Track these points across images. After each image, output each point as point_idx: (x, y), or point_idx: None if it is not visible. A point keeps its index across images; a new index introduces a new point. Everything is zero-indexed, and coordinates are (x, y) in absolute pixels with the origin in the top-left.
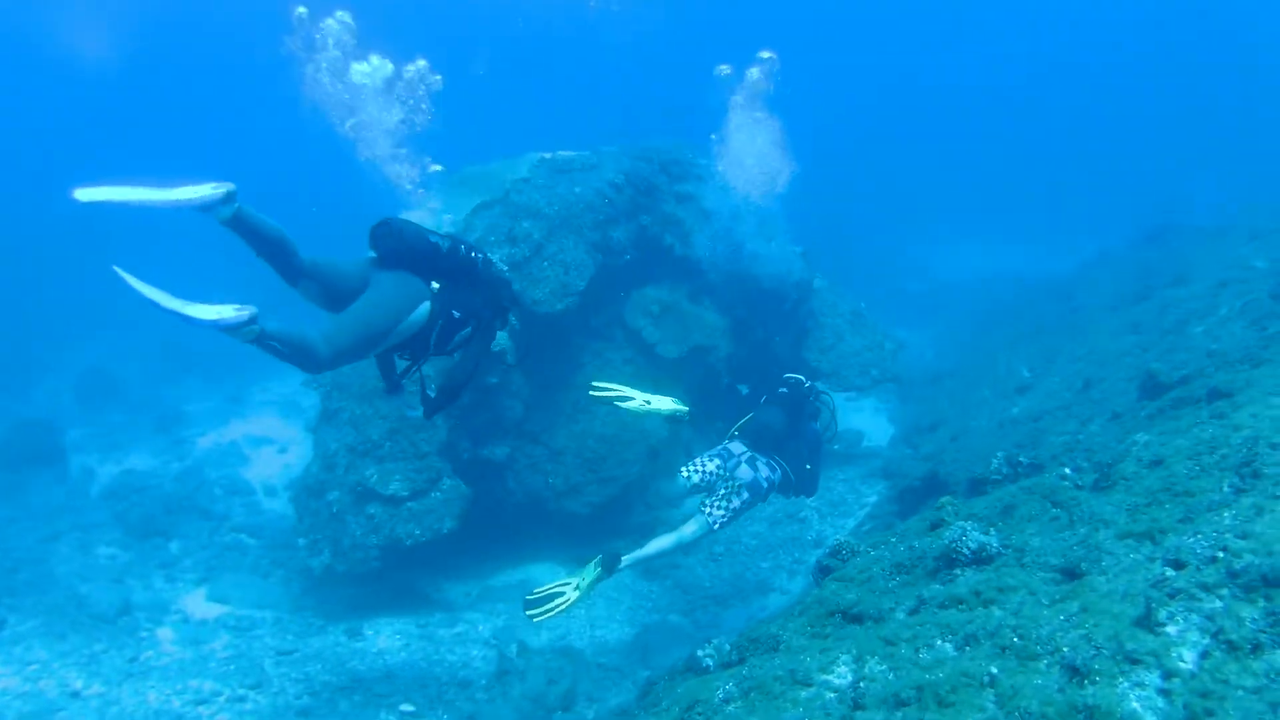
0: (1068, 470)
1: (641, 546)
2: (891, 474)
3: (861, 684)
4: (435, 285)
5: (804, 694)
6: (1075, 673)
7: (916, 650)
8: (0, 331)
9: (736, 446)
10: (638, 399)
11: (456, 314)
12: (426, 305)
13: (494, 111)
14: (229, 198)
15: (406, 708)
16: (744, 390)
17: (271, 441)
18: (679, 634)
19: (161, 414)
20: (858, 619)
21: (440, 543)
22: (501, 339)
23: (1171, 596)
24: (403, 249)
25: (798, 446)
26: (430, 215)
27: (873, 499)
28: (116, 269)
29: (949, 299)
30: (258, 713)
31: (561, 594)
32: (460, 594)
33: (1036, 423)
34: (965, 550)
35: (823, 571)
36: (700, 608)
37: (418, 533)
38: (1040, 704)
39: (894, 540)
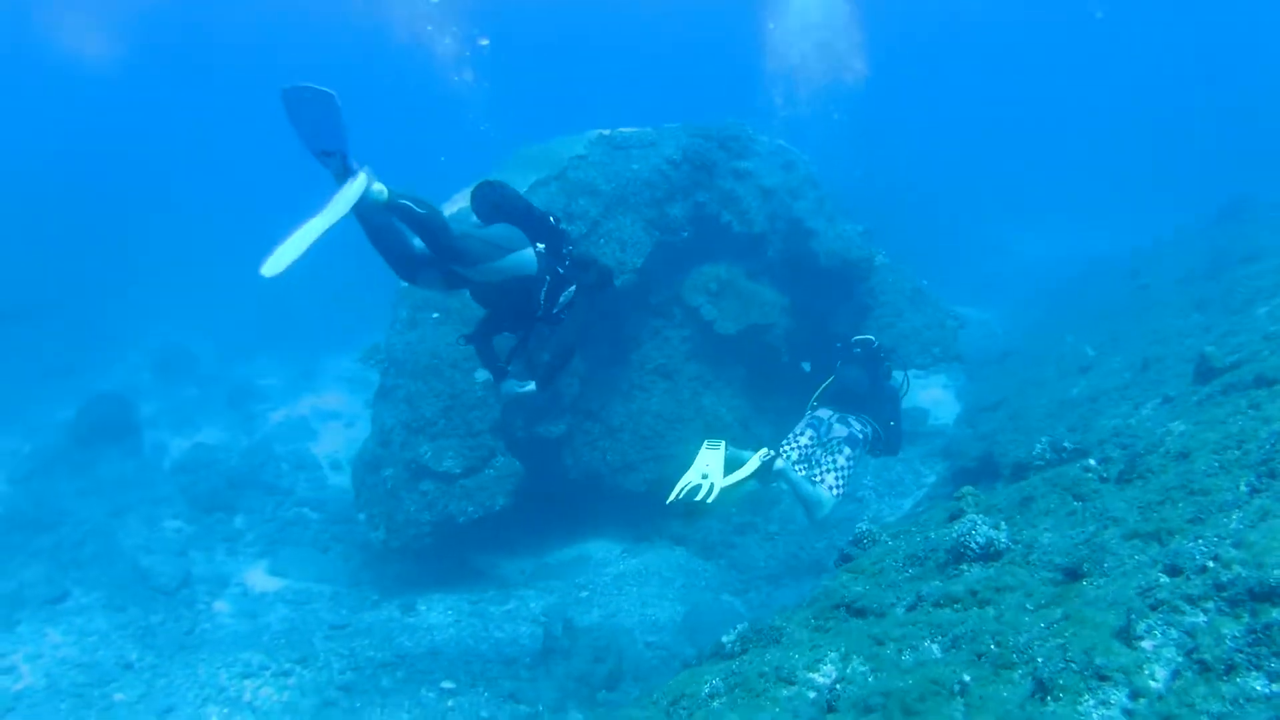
0: (1092, 461)
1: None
2: (951, 454)
3: (838, 686)
4: (539, 245)
5: (785, 693)
6: (1042, 687)
7: (901, 651)
8: (85, 308)
9: (824, 412)
10: (696, 478)
11: (561, 270)
12: (532, 253)
13: (558, 88)
14: (370, 180)
15: (447, 684)
16: (806, 368)
17: (339, 416)
18: (730, 614)
19: (234, 389)
20: (860, 613)
21: (493, 520)
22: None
23: (1154, 608)
24: (504, 204)
25: (879, 405)
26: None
27: (931, 479)
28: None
29: (1025, 277)
30: (300, 687)
31: (698, 487)
32: (515, 570)
33: (1093, 403)
34: (974, 545)
35: (844, 560)
36: (754, 587)
37: (470, 510)
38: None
39: (914, 530)
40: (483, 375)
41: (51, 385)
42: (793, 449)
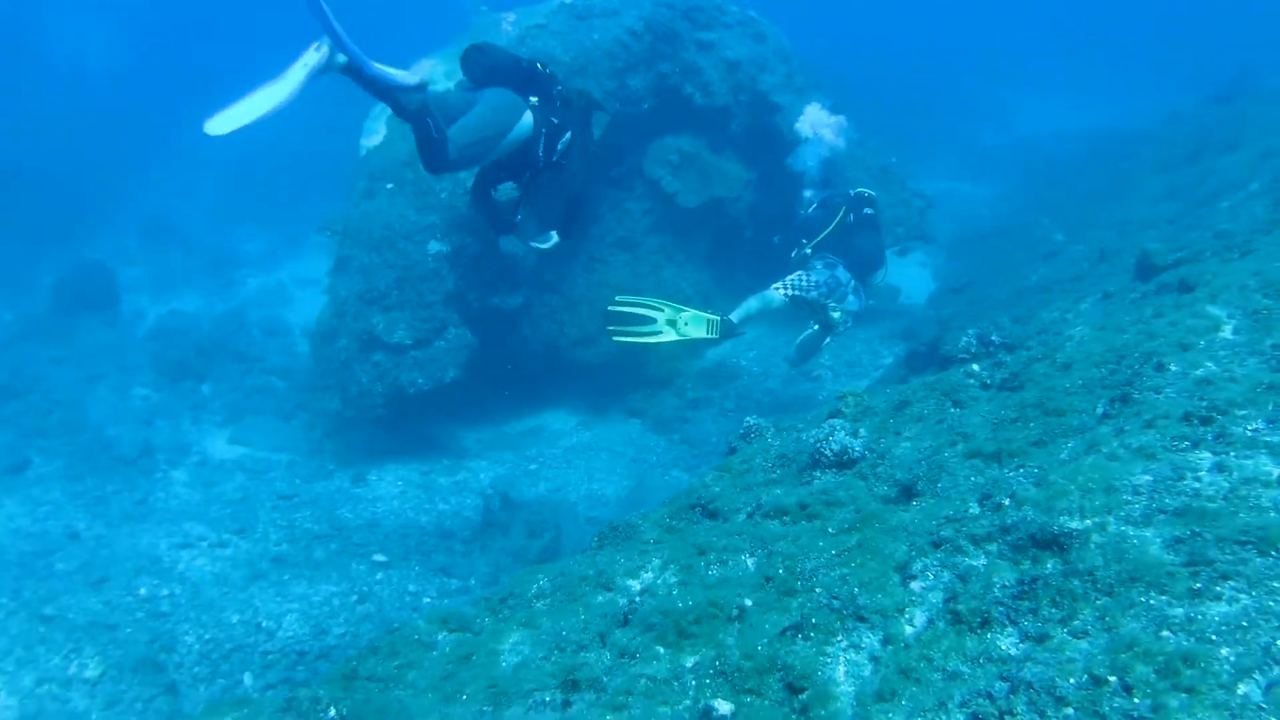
0: (975, 367)
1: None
2: (910, 336)
3: (639, 599)
4: (533, 100)
5: (599, 599)
6: (797, 626)
7: (713, 565)
8: (76, 175)
9: (843, 274)
10: (663, 320)
11: (555, 120)
12: (529, 114)
13: None
14: (333, 50)
15: (379, 557)
16: (776, 240)
17: (318, 283)
18: (678, 490)
19: (218, 255)
20: (713, 515)
21: (445, 391)
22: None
23: (936, 545)
24: (493, 66)
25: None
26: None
27: (888, 361)
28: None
29: (1023, 151)
30: (234, 558)
31: (654, 323)
32: (473, 440)
33: (1045, 293)
34: (828, 452)
35: (729, 452)
36: (705, 463)
37: (420, 381)
38: (742, 656)
39: (799, 428)
40: (436, 247)
41: (40, 251)
42: (805, 288)
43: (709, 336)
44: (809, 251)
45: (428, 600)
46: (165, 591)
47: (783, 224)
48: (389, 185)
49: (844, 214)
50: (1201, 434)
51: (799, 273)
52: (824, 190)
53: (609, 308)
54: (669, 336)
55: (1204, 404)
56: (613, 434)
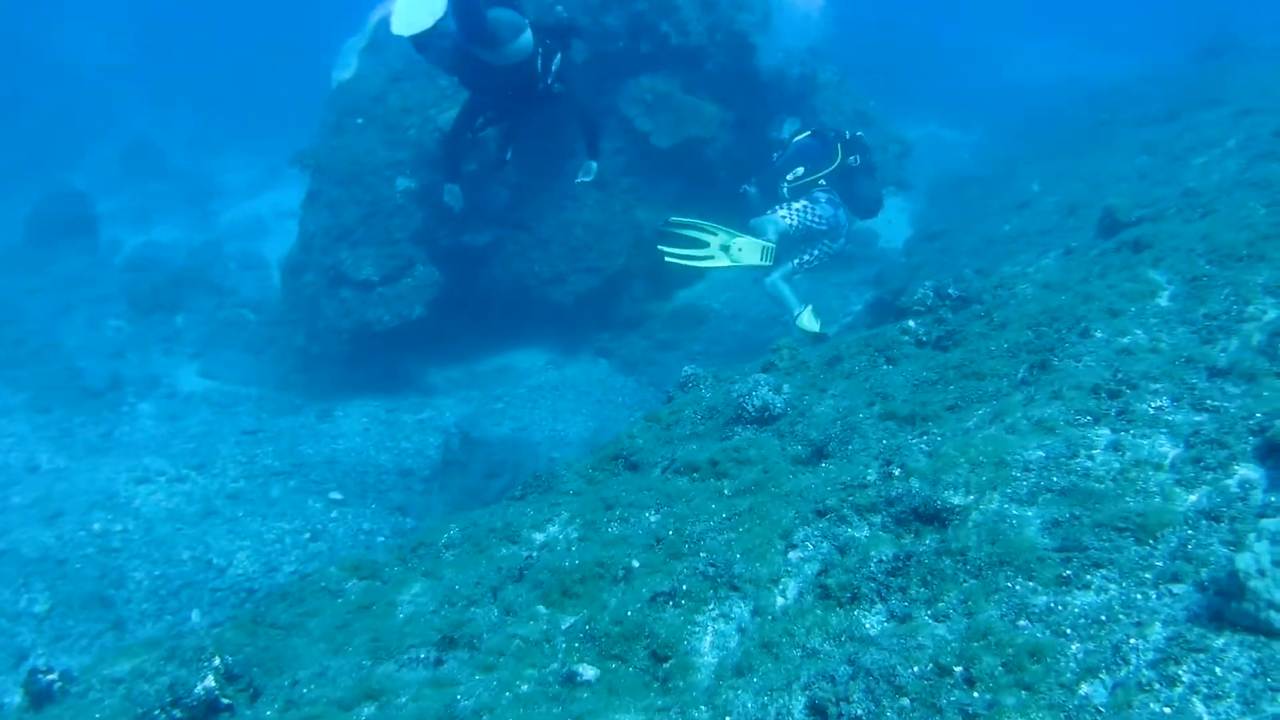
0: (911, 323)
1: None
2: (880, 282)
3: (537, 554)
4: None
5: (503, 552)
6: (671, 594)
7: (614, 521)
8: (53, 100)
9: (844, 215)
10: (716, 245)
11: (548, 40)
12: (530, 32)
13: None
14: None
15: (335, 495)
16: (752, 191)
17: (296, 215)
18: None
19: (198, 185)
20: (634, 468)
21: (412, 328)
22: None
23: (821, 514)
24: None
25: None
26: None
27: (858, 308)
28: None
29: (1012, 98)
30: (189, 493)
31: (707, 246)
32: (442, 378)
33: (1012, 244)
34: (750, 407)
35: (666, 400)
36: None
37: (386, 318)
38: (612, 620)
39: (735, 378)
40: (404, 183)
41: (21, 179)
42: (788, 212)
43: (763, 263)
44: (822, 182)
45: (381, 539)
46: (118, 527)
47: (757, 169)
48: (359, 120)
49: (845, 155)
50: (1106, 408)
51: (804, 202)
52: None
53: (661, 226)
54: (721, 262)
55: (1117, 376)
56: (581, 374)
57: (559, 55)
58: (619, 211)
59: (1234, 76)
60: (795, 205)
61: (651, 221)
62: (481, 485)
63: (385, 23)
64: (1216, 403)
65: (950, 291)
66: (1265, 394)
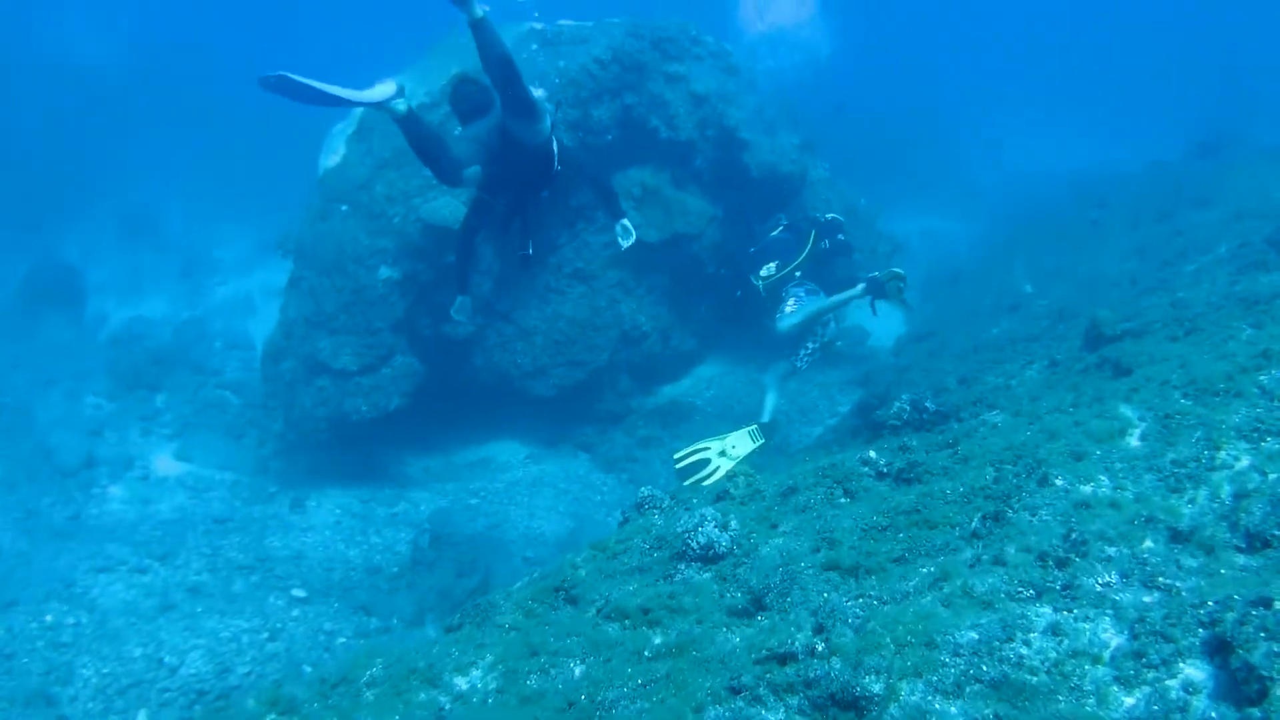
0: (872, 454)
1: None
2: (867, 383)
3: (451, 705)
4: None
5: (421, 697)
6: None
7: (534, 673)
8: (52, 163)
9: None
10: (714, 454)
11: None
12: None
13: None
14: (399, 93)
15: (299, 592)
16: (739, 294)
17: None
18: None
19: (189, 258)
20: (574, 602)
21: (390, 419)
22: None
23: (735, 692)
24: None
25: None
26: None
27: (844, 409)
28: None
29: (1005, 191)
30: (149, 586)
31: (708, 460)
32: (420, 469)
33: (999, 351)
34: (695, 545)
35: (622, 522)
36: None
37: (364, 408)
38: None
39: (692, 503)
40: (386, 273)
41: (15, 240)
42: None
43: (757, 445)
44: (798, 274)
45: (342, 640)
46: (71, 620)
47: (740, 273)
48: (343, 207)
49: (816, 239)
50: (1051, 580)
51: (790, 302)
52: (788, 216)
53: (674, 464)
54: (727, 465)
55: (1069, 538)
56: (560, 469)
57: (558, 141)
58: (604, 306)
59: (1230, 177)
60: (789, 304)
61: (634, 314)
62: (451, 584)
63: (372, 109)
64: (1169, 580)
65: (927, 405)
66: (1222, 572)
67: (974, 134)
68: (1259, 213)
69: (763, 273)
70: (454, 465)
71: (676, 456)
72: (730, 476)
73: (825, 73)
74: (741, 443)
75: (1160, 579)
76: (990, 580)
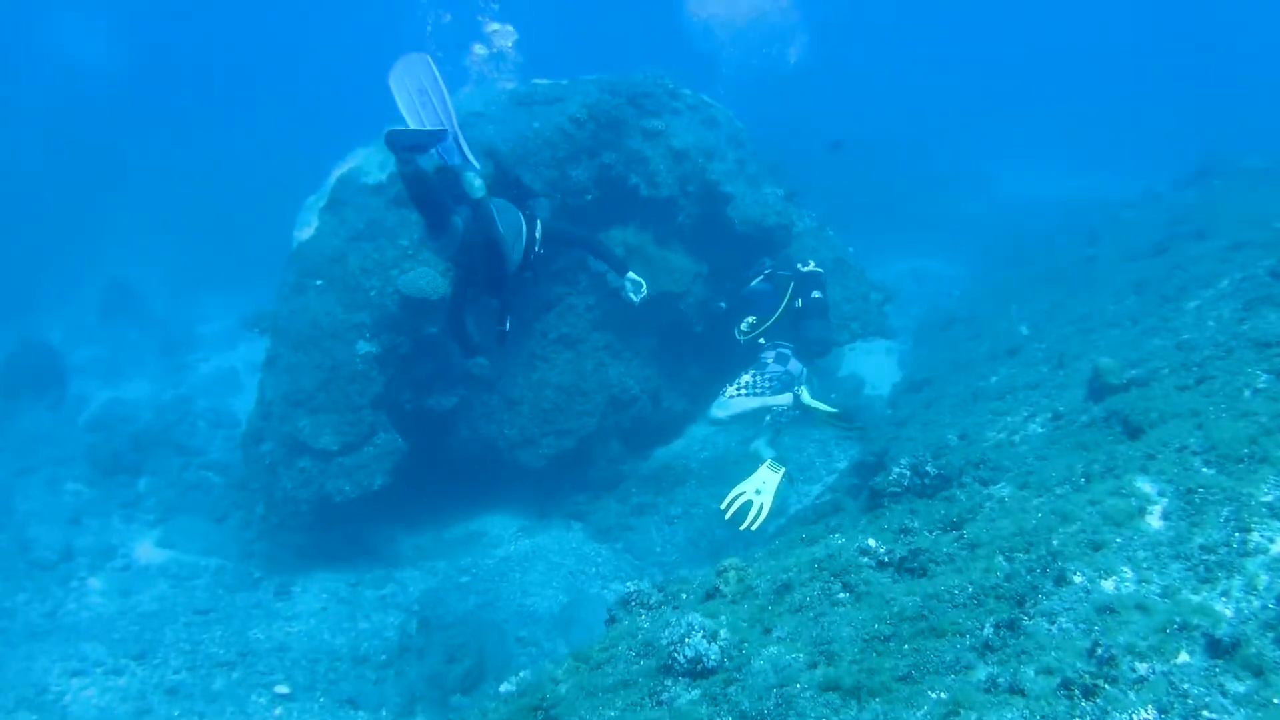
0: (871, 542)
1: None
2: (866, 440)
3: None
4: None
5: None
6: None
7: None
8: (45, 242)
9: (795, 366)
10: (751, 493)
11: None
12: (523, 221)
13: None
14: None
15: (282, 689)
16: (723, 305)
17: None
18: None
19: (170, 335)
20: None
21: (375, 497)
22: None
23: None
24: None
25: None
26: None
27: (842, 465)
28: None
29: (996, 224)
30: (125, 689)
31: (750, 502)
32: (409, 546)
33: (999, 401)
34: (681, 659)
35: (608, 622)
36: (648, 576)
37: (348, 489)
38: None
39: (681, 598)
40: (364, 347)
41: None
42: (737, 390)
43: (780, 473)
44: (762, 341)
45: None
46: None
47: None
48: (318, 282)
49: (791, 296)
50: (1079, 713)
51: (750, 373)
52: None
53: (724, 514)
54: (767, 499)
55: (1096, 654)
56: (553, 542)
57: (538, 219)
58: (591, 371)
59: (1224, 204)
60: (744, 378)
61: (622, 377)
62: (442, 670)
63: (345, 180)
64: (1214, 715)
65: (928, 470)
66: (1275, 701)
67: (964, 165)
68: (1258, 242)
69: (743, 326)
70: (444, 541)
71: (723, 507)
72: (720, 572)
73: (791, 79)
74: (767, 478)
75: (1204, 714)
76: (1006, 717)
